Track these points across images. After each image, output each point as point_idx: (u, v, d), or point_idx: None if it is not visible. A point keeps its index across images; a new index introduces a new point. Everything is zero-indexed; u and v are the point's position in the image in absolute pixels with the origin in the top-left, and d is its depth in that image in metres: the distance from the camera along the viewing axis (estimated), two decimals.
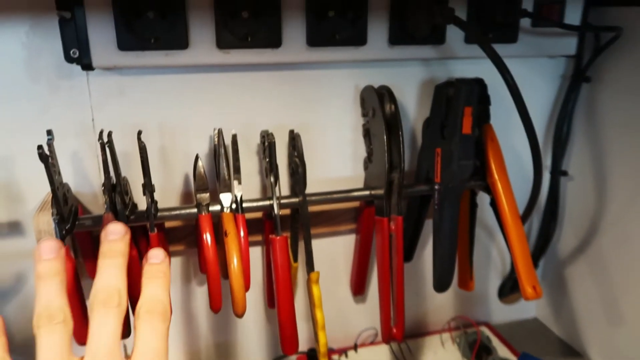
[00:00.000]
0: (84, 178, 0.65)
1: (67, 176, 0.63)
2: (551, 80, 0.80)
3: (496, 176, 0.68)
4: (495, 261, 0.89)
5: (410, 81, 0.73)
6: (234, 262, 0.58)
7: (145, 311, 0.37)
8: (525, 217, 0.68)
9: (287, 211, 0.70)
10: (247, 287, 0.60)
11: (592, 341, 0.83)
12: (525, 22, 0.70)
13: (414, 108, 0.74)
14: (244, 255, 0.60)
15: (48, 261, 0.38)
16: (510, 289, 0.90)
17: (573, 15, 0.72)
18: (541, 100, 0.81)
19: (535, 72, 0.79)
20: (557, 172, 0.81)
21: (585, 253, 0.82)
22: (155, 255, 0.41)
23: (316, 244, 0.78)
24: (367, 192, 0.67)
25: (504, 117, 0.78)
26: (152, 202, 0.58)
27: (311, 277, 0.64)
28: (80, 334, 0.53)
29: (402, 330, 0.67)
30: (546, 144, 0.83)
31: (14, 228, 0.64)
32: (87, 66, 0.57)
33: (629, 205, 0.73)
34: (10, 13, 0.58)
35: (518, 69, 0.76)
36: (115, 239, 0.40)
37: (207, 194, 0.61)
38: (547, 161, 0.83)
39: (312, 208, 0.72)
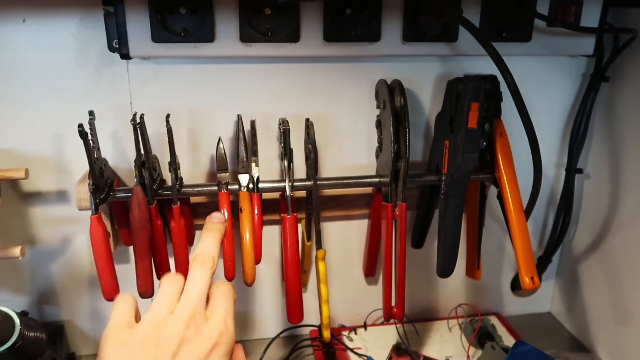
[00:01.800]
0: (122, 155, 0.73)
1: (107, 153, 0.72)
2: (572, 79, 0.81)
3: (503, 170, 0.71)
4: (509, 254, 0.91)
5: (427, 76, 0.77)
6: (246, 236, 0.64)
7: (200, 260, 0.45)
8: (528, 210, 0.70)
9: (303, 194, 0.75)
10: (257, 259, 0.66)
11: (600, 338, 0.84)
12: (540, 22, 0.71)
13: (429, 102, 0.78)
14: (257, 230, 0.66)
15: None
16: None
17: (591, 15, 0.73)
18: (561, 99, 0.82)
19: (556, 71, 0.80)
20: (572, 170, 0.82)
21: (598, 251, 0.83)
22: (217, 217, 0.52)
23: (332, 226, 0.83)
24: (375, 180, 0.72)
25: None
26: (177, 178, 0.65)
27: (318, 254, 0.69)
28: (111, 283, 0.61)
29: (402, 310, 0.71)
30: (564, 142, 0.84)
31: (61, 196, 0.73)
32: (125, 55, 0.65)
33: None
34: (63, 7, 0.66)
35: (538, 67, 0.79)
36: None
37: (227, 174, 0.68)
38: (564, 159, 0.84)
39: (328, 192, 0.78)
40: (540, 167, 0.65)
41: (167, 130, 0.63)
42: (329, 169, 0.79)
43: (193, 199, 0.74)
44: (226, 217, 0.52)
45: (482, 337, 0.82)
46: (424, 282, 0.89)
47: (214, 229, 0.50)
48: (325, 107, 0.75)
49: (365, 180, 0.72)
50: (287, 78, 0.72)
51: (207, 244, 0.47)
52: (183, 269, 0.68)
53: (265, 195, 0.73)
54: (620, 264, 0.78)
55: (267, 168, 0.76)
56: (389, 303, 0.72)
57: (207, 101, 0.72)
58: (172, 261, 0.70)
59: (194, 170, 0.75)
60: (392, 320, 0.78)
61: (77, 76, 0.68)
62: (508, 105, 0.72)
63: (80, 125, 0.58)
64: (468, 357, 0.79)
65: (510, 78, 0.59)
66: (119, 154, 0.73)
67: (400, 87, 0.68)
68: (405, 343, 0.81)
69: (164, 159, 0.68)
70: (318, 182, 0.70)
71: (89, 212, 0.63)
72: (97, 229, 0.62)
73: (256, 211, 0.67)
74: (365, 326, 0.87)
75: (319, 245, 0.70)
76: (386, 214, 0.70)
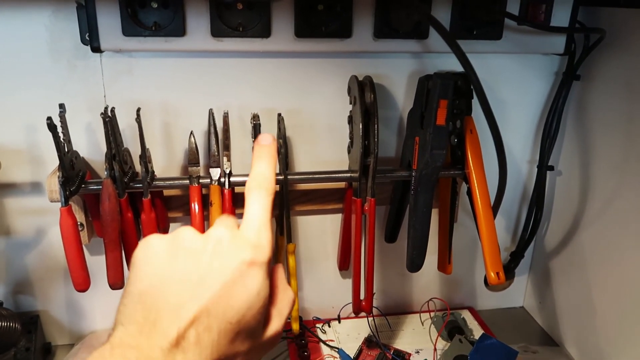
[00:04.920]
0: (96, 147, 0.73)
1: (82, 145, 0.72)
2: (545, 76, 0.82)
3: (472, 167, 0.72)
4: None
5: (400, 72, 0.77)
6: None
7: (255, 186, 0.41)
8: (495, 207, 0.71)
9: (276, 188, 0.76)
10: None
11: (569, 333, 0.86)
12: (511, 20, 0.72)
13: (402, 98, 0.79)
14: None
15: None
16: None
17: (562, 14, 0.73)
18: (534, 96, 0.83)
19: (529, 68, 0.81)
20: (544, 167, 0.83)
21: (567, 247, 0.85)
22: (265, 138, 0.46)
23: (307, 220, 0.84)
24: (346, 175, 0.72)
25: (497, 112, 0.81)
26: (147, 172, 0.65)
27: (288, 248, 0.71)
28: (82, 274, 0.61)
29: (370, 303, 0.73)
30: (537, 139, 0.85)
31: (35, 187, 0.74)
32: (97, 49, 0.65)
33: (608, 204, 0.75)
34: None
35: (511, 64, 0.80)
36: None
37: (198, 168, 0.69)
38: (536, 155, 0.85)
39: (302, 186, 0.78)
40: (505, 165, 0.66)
41: (138, 124, 0.63)
42: (303, 163, 0.80)
43: (167, 192, 0.74)
44: (271, 137, 0.46)
45: (452, 330, 0.83)
46: (397, 276, 0.90)
47: (262, 153, 0.45)
48: (300, 102, 0.76)
49: (336, 175, 0.72)
50: (260, 73, 0.73)
51: (258, 168, 0.43)
52: None
53: (241, 189, 0.74)
54: (588, 259, 0.80)
55: (242, 162, 0.76)
56: (358, 297, 0.73)
57: (181, 94, 0.73)
58: None
59: (168, 163, 0.76)
60: (364, 314, 0.79)
61: (50, 68, 0.69)
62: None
63: (49, 118, 0.58)
64: (435, 350, 0.80)
65: (474, 76, 0.59)
66: (93, 146, 0.73)
67: (371, 83, 0.69)
68: (376, 336, 0.82)
69: (137, 151, 0.69)
70: (289, 177, 0.70)
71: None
72: (67, 221, 0.62)
73: (227, 205, 0.68)
74: (339, 319, 0.89)
75: (289, 239, 0.71)
76: (356, 208, 0.71)
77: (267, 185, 0.41)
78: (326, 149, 0.80)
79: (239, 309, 0.35)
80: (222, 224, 0.39)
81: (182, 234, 0.38)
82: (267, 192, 0.41)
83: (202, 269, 0.35)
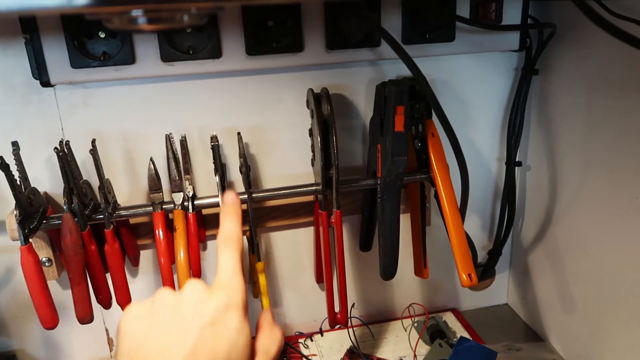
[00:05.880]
0: (58, 181, 0.71)
1: (43, 180, 0.72)
2: (505, 73, 0.82)
3: (436, 170, 0.71)
4: None
5: (359, 80, 0.77)
6: (180, 255, 0.65)
7: (223, 240, 0.44)
8: (462, 208, 0.71)
9: (245, 206, 0.75)
10: (195, 275, 0.66)
11: (551, 327, 0.85)
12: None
13: (364, 106, 0.79)
14: (193, 247, 0.67)
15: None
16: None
17: (513, 10, 0.73)
18: (497, 93, 0.83)
19: (488, 66, 0.81)
20: (512, 163, 0.83)
21: (542, 241, 0.84)
22: (229, 198, 0.49)
23: (280, 235, 0.84)
24: (309, 188, 0.72)
25: (461, 112, 0.81)
26: (107, 202, 0.65)
27: (257, 266, 0.70)
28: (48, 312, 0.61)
29: (345, 315, 0.72)
30: (504, 135, 0.85)
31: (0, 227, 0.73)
32: (47, 83, 0.64)
33: (577, 194, 0.75)
34: None
35: (469, 64, 0.80)
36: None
37: (160, 194, 0.68)
38: (503, 152, 0.85)
39: (272, 202, 0.78)
40: (464, 165, 0.66)
41: (92, 156, 0.63)
42: (270, 179, 0.79)
43: (134, 220, 0.74)
44: (234, 195, 0.49)
45: (434, 334, 0.82)
46: (376, 284, 0.90)
47: (227, 211, 0.47)
48: (260, 119, 0.76)
49: (299, 189, 0.72)
50: (216, 93, 0.73)
51: (225, 225, 0.46)
52: (121, 292, 0.68)
53: (209, 211, 0.73)
54: (563, 252, 0.79)
55: (207, 183, 0.76)
56: (333, 309, 0.73)
57: (139, 121, 0.72)
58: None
59: (133, 191, 0.76)
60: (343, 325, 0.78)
61: (5, 105, 0.68)
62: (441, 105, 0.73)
63: (0, 158, 0.58)
64: (415, 356, 0.79)
65: (423, 81, 0.59)
66: (55, 180, 0.72)
67: (327, 95, 0.68)
68: (357, 347, 0.81)
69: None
70: (253, 195, 0.70)
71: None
72: (28, 259, 0.61)
73: (192, 229, 0.67)
74: (321, 332, 0.88)
75: (259, 257, 0.71)
76: (322, 221, 0.70)
77: (234, 239, 0.44)
78: (293, 163, 0.79)
79: (222, 348, 0.37)
80: (193, 279, 0.42)
81: (160, 294, 0.40)
82: (234, 244, 0.44)
83: (182, 318, 0.38)
